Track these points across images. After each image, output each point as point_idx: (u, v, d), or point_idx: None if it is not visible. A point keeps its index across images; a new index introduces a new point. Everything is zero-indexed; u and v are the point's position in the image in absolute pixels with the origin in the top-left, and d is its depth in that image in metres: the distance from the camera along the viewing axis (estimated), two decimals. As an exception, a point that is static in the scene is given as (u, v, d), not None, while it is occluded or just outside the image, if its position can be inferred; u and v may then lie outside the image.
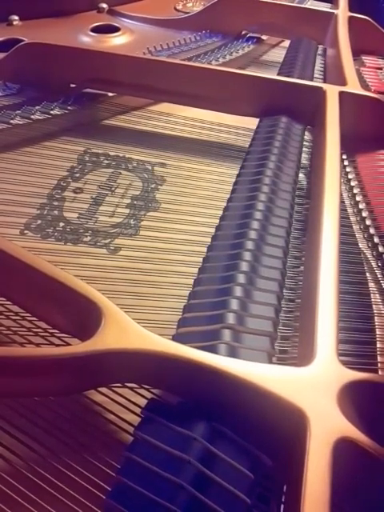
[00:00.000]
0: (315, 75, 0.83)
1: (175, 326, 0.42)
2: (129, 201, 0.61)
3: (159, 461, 0.32)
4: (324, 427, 0.31)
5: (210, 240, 0.51)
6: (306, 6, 1.00)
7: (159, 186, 0.64)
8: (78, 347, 0.36)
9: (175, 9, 1.08)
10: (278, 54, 0.94)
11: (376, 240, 0.54)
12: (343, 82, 0.70)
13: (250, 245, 0.48)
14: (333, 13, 0.91)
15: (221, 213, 0.54)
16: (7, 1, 0.97)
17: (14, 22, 0.95)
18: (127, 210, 0.60)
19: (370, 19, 0.91)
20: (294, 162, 0.61)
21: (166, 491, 0.31)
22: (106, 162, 0.67)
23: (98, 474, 0.34)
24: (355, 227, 0.56)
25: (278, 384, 0.34)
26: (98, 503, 0.32)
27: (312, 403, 0.33)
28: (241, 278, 0.44)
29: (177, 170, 0.65)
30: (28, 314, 0.43)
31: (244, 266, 0.45)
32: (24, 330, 0.43)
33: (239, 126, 0.71)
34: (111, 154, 0.68)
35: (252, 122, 0.70)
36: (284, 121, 0.66)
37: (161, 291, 0.48)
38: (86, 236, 0.56)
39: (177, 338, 0.40)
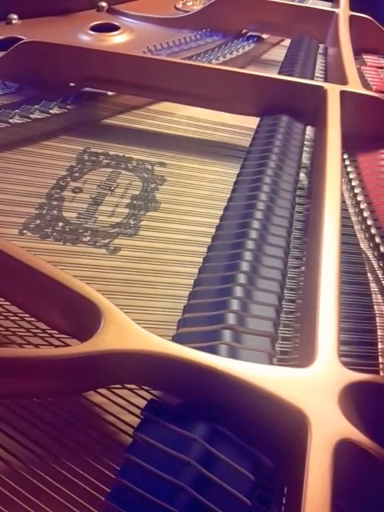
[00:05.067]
0: (316, 74, 0.83)
1: (175, 327, 0.41)
2: (128, 200, 0.61)
3: (159, 462, 0.32)
4: (325, 429, 0.31)
5: (210, 240, 0.51)
6: (307, 5, 1.00)
7: (159, 186, 0.63)
8: (77, 348, 0.36)
9: (175, 7, 1.08)
10: (278, 53, 0.93)
11: (377, 240, 0.54)
12: (344, 81, 0.69)
13: (250, 245, 0.47)
14: (334, 11, 0.91)
15: (221, 213, 0.54)
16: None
17: (13, 21, 0.95)
18: (127, 210, 0.59)
19: (370, 18, 0.91)
20: (294, 162, 0.61)
21: (166, 493, 0.30)
22: (106, 161, 0.67)
23: (97, 475, 0.33)
24: (356, 227, 0.56)
25: (278, 385, 0.33)
26: (97, 505, 0.32)
27: (313, 404, 0.32)
28: (241, 278, 0.44)
29: (177, 170, 0.65)
30: (27, 315, 0.43)
31: (244, 266, 0.45)
32: (23, 330, 0.43)
33: (239, 126, 0.71)
34: (111, 153, 0.68)
35: (252, 122, 0.69)
36: (285, 120, 0.66)
37: (160, 291, 0.48)
38: (86, 236, 0.55)
39: (177, 338, 0.39)
